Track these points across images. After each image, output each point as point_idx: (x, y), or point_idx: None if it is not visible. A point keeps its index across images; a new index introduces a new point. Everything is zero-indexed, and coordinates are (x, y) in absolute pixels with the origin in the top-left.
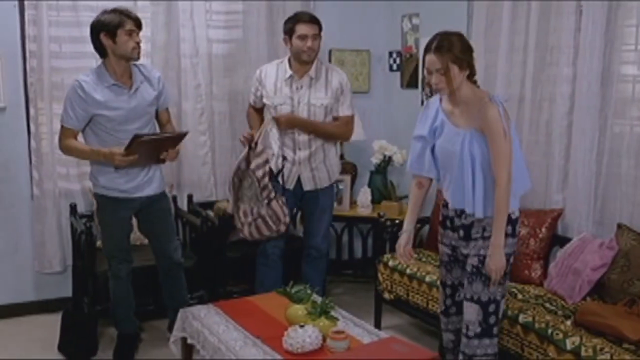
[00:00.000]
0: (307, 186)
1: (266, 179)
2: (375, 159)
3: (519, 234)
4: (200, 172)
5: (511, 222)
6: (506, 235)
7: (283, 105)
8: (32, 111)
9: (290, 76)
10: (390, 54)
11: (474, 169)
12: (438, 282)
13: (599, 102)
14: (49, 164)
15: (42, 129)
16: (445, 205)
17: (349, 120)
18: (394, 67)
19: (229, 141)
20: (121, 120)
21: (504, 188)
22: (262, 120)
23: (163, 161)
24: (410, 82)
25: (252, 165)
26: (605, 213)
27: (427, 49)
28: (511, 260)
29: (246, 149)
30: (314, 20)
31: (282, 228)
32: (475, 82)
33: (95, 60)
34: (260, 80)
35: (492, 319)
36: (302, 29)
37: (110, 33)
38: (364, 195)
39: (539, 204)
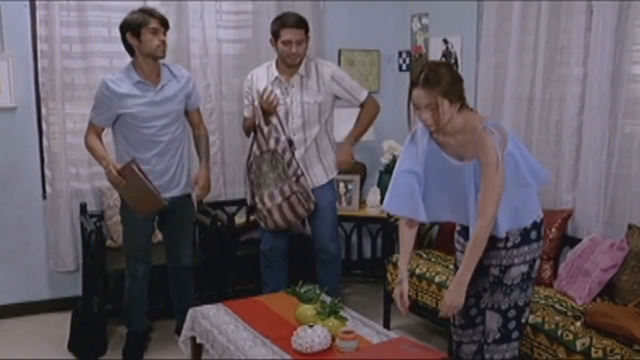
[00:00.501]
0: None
1: (288, 154)
2: (385, 159)
3: (543, 237)
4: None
5: (536, 226)
6: (531, 240)
7: (276, 107)
8: (43, 111)
9: (276, 78)
10: (400, 53)
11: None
12: None
13: (609, 102)
14: (61, 164)
15: (54, 129)
16: None
17: (372, 99)
18: (404, 67)
19: (238, 141)
20: (146, 117)
21: (487, 222)
22: None
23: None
24: None
25: (271, 145)
26: (615, 213)
27: (413, 83)
28: (535, 265)
29: (252, 136)
30: (299, 25)
31: (312, 206)
32: (467, 107)
33: (109, 60)
34: (250, 86)
35: (511, 325)
36: (286, 34)
37: (135, 32)
38: (373, 195)
39: (549, 204)
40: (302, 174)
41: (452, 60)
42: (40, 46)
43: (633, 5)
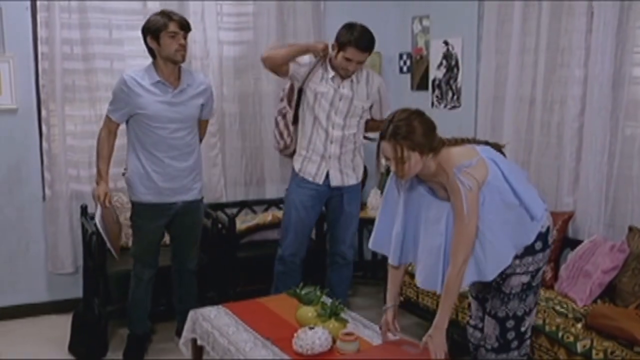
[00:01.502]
0: (334, 181)
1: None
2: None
3: (551, 245)
4: (211, 173)
5: (540, 236)
6: (535, 251)
7: (325, 95)
8: (43, 113)
9: (334, 77)
10: (401, 55)
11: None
12: (470, 298)
13: (610, 104)
14: (61, 166)
15: (54, 131)
16: None
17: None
18: (404, 69)
19: (239, 143)
20: (161, 117)
21: (457, 270)
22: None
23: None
24: (421, 84)
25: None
26: (616, 215)
27: (381, 135)
28: (539, 275)
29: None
30: (368, 49)
31: (281, 145)
32: (445, 144)
33: (110, 62)
34: (310, 68)
35: (510, 335)
36: (352, 53)
37: (155, 36)
38: (374, 197)
39: (550, 206)
40: (285, 118)
41: (453, 62)
42: (41, 48)
43: (634, 6)
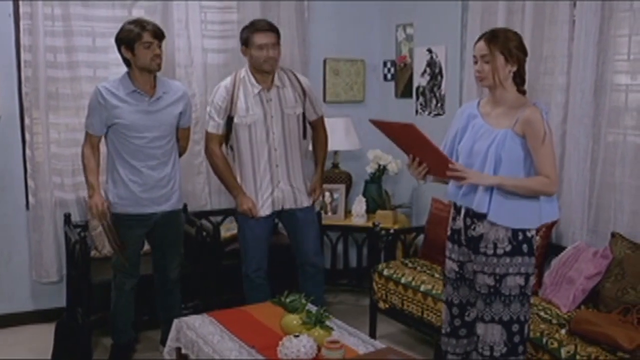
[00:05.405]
0: (287, 204)
1: None
2: (370, 168)
3: (535, 254)
4: (195, 181)
5: (527, 240)
6: (523, 253)
7: (257, 122)
8: (27, 121)
9: (260, 91)
10: (385, 63)
11: (496, 169)
12: (444, 305)
13: (593, 111)
14: (45, 174)
15: (38, 139)
16: (454, 218)
17: (323, 120)
18: (389, 76)
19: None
20: (138, 126)
21: (551, 180)
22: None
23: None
24: (405, 91)
25: None
26: (599, 222)
27: (480, 37)
28: (530, 282)
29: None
30: (271, 29)
31: None
32: (523, 92)
33: (93, 70)
34: (230, 99)
35: (516, 339)
36: (260, 38)
37: (129, 46)
38: (359, 204)
39: None
40: None
41: (437, 70)
42: (24, 56)
43: (615, 15)
